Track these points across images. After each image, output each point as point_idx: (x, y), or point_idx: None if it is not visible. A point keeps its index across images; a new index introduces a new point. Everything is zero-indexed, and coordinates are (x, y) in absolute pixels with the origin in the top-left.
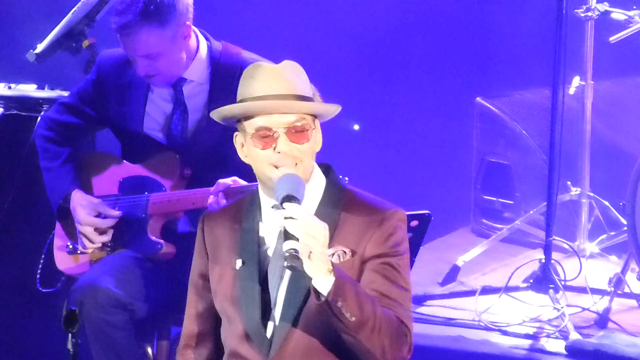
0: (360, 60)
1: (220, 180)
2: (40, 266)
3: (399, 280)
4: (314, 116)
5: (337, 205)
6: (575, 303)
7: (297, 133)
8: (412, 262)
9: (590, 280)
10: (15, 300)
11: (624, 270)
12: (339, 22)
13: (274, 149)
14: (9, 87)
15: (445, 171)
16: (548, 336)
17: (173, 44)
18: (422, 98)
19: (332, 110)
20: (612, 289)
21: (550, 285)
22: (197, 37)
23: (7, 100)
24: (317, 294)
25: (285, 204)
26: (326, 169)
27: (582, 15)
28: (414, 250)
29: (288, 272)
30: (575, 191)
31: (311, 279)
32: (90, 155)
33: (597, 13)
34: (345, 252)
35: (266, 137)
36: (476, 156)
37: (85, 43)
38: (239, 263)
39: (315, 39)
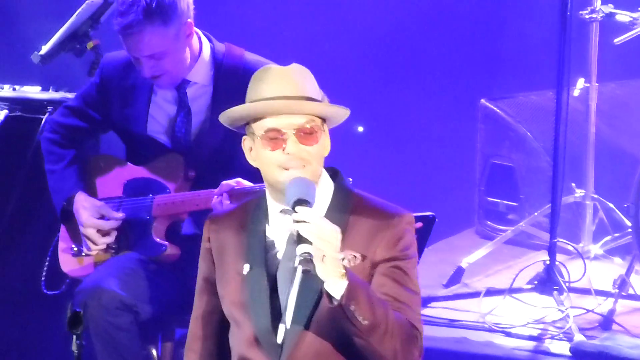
0: (365, 62)
1: (224, 182)
2: (45, 268)
3: (409, 283)
4: (323, 120)
5: (346, 209)
6: (580, 305)
7: (306, 135)
8: None
9: (595, 282)
10: (20, 302)
11: (628, 272)
12: (343, 23)
13: (283, 150)
14: (14, 89)
15: (449, 173)
16: (552, 338)
17: (177, 42)
18: (426, 100)
19: (342, 113)
20: (617, 290)
21: (555, 287)
22: (199, 38)
23: (12, 102)
24: (330, 297)
25: (297, 208)
26: (334, 173)
27: (587, 17)
28: (418, 252)
29: (298, 276)
30: (579, 193)
31: (323, 282)
32: (95, 158)
33: (601, 15)
34: (355, 257)
35: (275, 138)
36: (480, 158)
37: (90, 44)
38: (246, 268)
39: (319, 40)
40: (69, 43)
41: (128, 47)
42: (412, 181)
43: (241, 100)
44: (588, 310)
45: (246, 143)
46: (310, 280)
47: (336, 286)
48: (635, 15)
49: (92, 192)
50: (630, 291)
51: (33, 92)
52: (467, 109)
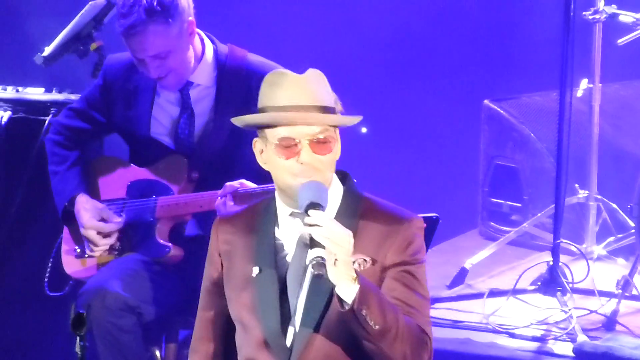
0: (368, 63)
1: (228, 183)
2: (48, 270)
3: (418, 288)
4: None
5: (355, 213)
6: (583, 305)
7: (319, 144)
8: None
9: (598, 283)
10: (24, 303)
11: (631, 273)
12: (346, 23)
13: (297, 159)
14: (17, 90)
15: (452, 174)
16: (556, 339)
17: (180, 41)
18: (429, 100)
19: (355, 121)
20: (620, 291)
21: (558, 288)
22: (202, 40)
23: (15, 104)
24: (341, 302)
25: (310, 211)
26: (343, 177)
27: (590, 17)
28: None
29: (308, 279)
30: (583, 194)
31: (333, 286)
32: (98, 159)
33: (605, 15)
34: (365, 261)
35: (289, 147)
36: (484, 159)
37: (93, 46)
38: (255, 270)
39: (322, 41)
40: (73, 44)
41: (132, 49)
42: (415, 182)
43: (244, 101)
44: (591, 311)
45: (257, 145)
46: (320, 283)
47: (348, 290)
48: (638, 15)
49: (95, 193)
50: (634, 292)
51: (36, 93)
52: (470, 109)
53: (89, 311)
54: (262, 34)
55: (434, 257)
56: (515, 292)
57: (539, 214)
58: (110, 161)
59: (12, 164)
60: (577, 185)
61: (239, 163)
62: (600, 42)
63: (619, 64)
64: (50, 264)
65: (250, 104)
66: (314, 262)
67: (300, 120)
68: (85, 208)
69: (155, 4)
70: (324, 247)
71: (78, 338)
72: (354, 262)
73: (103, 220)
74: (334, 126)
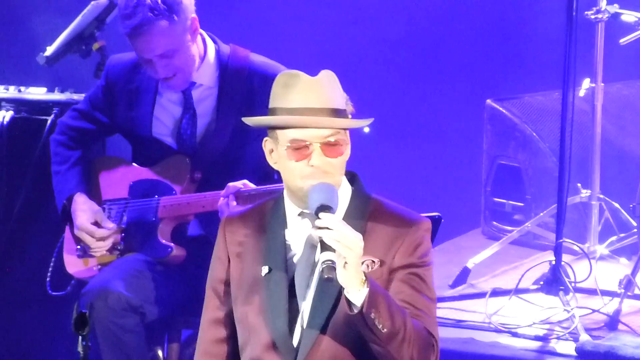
0: (371, 62)
1: (231, 184)
2: (50, 269)
3: (426, 290)
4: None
5: (364, 214)
6: (586, 305)
7: (330, 147)
8: None
9: (601, 282)
10: (26, 302)
11: (634, 272)
12: (348, 23)
13: (308, 162)
14: (19, 90)
15: (455, 173)
16: (558, 338)
17: (185, 38)
18: (432, 100)
19: (366, 123)
20: (622, 290)
21: (561, 287)
22: (204, 40)
23: (17, 103)
24: (349, 304)
25: (320, 214)
26: (352, 178)
27: (592, 17)
28: None
29: (315, 281)
30: (585, 193)
31: (342, 288)
32: (100, 159)
33: (607, 15)
34: (374, 262)
35: (300, 149)
36: (486, 158)
37: (96, 46)
38: (264, 270)
39: (325, 40)
40: (75, 44)
41: (139, 49)
42: (418, 181)
43: (247, 102)
44: (594, 311)
45: (267, 145)
46: (327, 285)
47: (357, 294)
48: None
49: (96, 193)
50: (636, 291)
51: (38, 93)
52: (473, 109)
53: (91, 311)
54: (265, 34)
55: (437, 256)
56: (517, 291)
57: (542, 214)
58: (113, 161)
59: (15, 163)
60: (579, 184)
61: (242, 163)
62: (603, 42)
63: (621, 64)
64: (52, 264)
65: (252, 105)
66: (324, 266)
67: (311, 124)
68: (82, 209)
69: (159, 2)
70: (334, 251)
71: (80, 338)
72: (362, 264)
73: (97, 223)
74: (345, 128)
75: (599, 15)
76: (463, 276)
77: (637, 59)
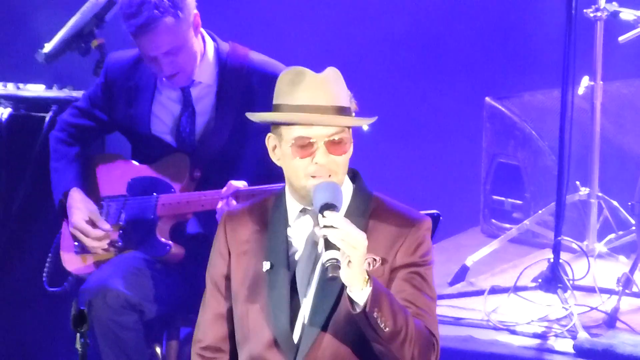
0: (369, 60)
1: (232, 182)
2: (47, 265)
3: (427, 289)
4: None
5: (366, 212)
6: (584, 303)
7: (335, 145)
8: None
9: (599, 280)
10: (25, 300)
11: (632, 270)
12: (347, 21)
13: (312, 159)
14: (18, 87)
15: (454, 171)
16: (556, 336)
17: (189, 34)
18: (431, 98)
19: (370, 122)
20: (621, 288)
21: (559, 285)
22: (203, 37)
23: (16, 101)
24: (352, 303)
25: (325, 213)
26: (353, 175)
27: (592, 15)
28: None
29: (316, 278)
30: (584, 191)
31: (343, 285)
32: (99, 156)
33: (606, 13)
34: (375, 260)
35: (304, 146)
36: (485, 156)
37: (94, 43)
38: (266, 265)
39: (323, 38)
40: (74, 42)
41: (144, 47)
42: (417, 179)
43: (246, 100)
44: (592, 308)
45: (270, 141)
46: (329, 282)
47: (360, 293)
48: (639, 13)
49: (94, 189)
50: (635, 289)
51: (37, 90)
52: (472, 107)
53: (90, 309)
54: (264, 32)
55: (436, 254)
56: (516, 289)
57: (541, 212)
58: (111, 158)
59: (13, 161)
60: (578, 182)
61: (241, 162)
62: (602, 40)
63: (620, 62)
64: (48, 260)
65: (252, 103)
66: (328, 265)
67: (318, 121)
68: (78, 207)
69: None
70: (338, 249)
71: (79, 335)
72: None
73: (92, 222)
74: (350, 127)
75: (598, 14)
76: (462, 274)
77: (637, 57)
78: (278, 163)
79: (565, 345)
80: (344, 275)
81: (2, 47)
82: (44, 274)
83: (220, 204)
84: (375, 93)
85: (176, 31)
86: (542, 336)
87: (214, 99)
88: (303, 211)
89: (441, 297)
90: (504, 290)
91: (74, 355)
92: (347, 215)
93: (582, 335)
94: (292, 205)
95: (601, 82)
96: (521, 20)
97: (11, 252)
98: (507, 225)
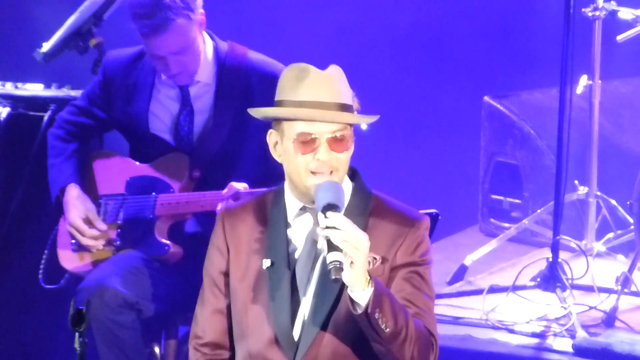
0: (368, 59)
1: (233, 184)
2: (42, 262)
3: (426, 289)
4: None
5: (365, 211)
6: (583, 302)
7: (337, 142)
8: None
9: (598, 279)
10: (24, 299)
11: (631, 269)
12: (345, 21)
13: (314, 155)
14: (16, 86)
15: (453, 170)
16: (555, 335)
17: (197, 34)
18: (430, 97)
19: (372, 120)
20: (619, 287)
21: (558, 284)
22: (202, 36)
23: (14, 100)
24: (353, 303)
25: (328, 213)
26: (352, 174)
27: (590, 14)
28: None
29: (316, 276)
30: (582, 190)
31: (344, 285)
32: (97, 153)
33: (604, 12)
34: (375, 259)
35: (306, 142)
36: (484, 155)
37: (93, 42)
38: (266, 263)
39: (321, 38)
40: (72, 40)
41: (155, 47)
42: (415, 178)
43: (244, 100)
44: (591, 307)
45: (272, 137)
46: (328, 280)
47: (362, 293)
48: (637, 12)
49: (91, 186)
50: (633, 288)
51: (35, 89)
52: (471, 106)
53: (88, 307)
54: (263, 31)
55: (434, 253)
56: (515, 288)
57: (539, 211)
58: (110, 155)
59: (12, 160)
60: (577, 181)
61: (239, 161)
62: (600, 39)
63: (618, 61)
64: (45, 257)
65: (250, 102)
66: (331, 267)
67: (321, 118)
68: (75, 205)
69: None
70: (340, 251)
71: (77, 334)
72: None
73: (88, 220)
74: (352, 124)
75: (597, 13)
76: (460, 273)
77: (635, 56)
78: (279, 159)
79: (564, 344)
80: (347, 276)
81: (1, 46)
82: (40, 271)
83: (219, 206)
84: (373, 92)
85: (187, 32)
86: (541, 335)
87: (213, 98)
88: (303, 209)
89: (440, 296)
90: (503, 289)
91: (72, 354)
92: (347, 213)
93: (581, 334)
94: (292, 203)
95: (599, 81)
96: (520, 19)
97: (9, 251)
98: (506, 225)
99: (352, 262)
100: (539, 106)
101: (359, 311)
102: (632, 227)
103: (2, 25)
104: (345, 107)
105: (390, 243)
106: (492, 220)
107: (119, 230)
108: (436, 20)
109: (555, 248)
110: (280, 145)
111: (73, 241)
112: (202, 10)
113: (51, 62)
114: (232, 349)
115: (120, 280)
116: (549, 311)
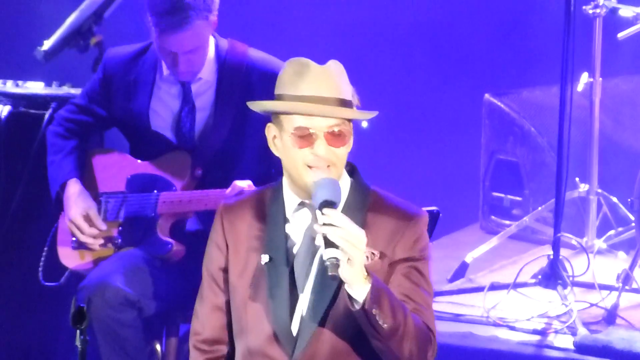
0: (368, 58)
1: (237, 183)
2: (42, 260)
3: (424, 284)
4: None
5: (364, 207)
6: (584, 299)
7: (335, 136)
8: None
9: (598, 277)
10: (24, 296)
11: (632, 266)
12: (346, 19)
13: (311, 150)
14: (17, 85)
15: (453, 168)
16: (556, 332)
17: (210, 35)
18: (430, 95)
19: (371, 116)
20: (620, 285)
21: (559, 282)
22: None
23: (15, 98)
24: (351, 299)
25: (325, 210)
26: (351, 169)
27: (591, 12)
28: None
29: (314, 271)
30: (583, 188)
31: (344, 283)
32: (97, 150)
33: (605, 10)
34: (374, 254)
35: (304, 136)
36: (485, 153)
37: (93, 40)
38: (265, 258)
39: (322, 36)
40: (73, 39)
41: (169, 43)
42: (416, 176)
43: (245, 97)
44: (592, 305)
45: (270, 131)
46: (327, 276)
47: (360, 290)
48: (638, 10)
49: (92, 182)
50: (634, 285)
51: (36, 87)
52: (471, 104)
53: (89, 305)
54: (264, 29)
55: (435, 251)
56: (515, 285)
57: (540, 208)
58: (109, 152)
59: (12, 158)
60: (577, 179)
61: (241, 160)
62: (601, 37)
63: (619, 58)
64: (44, 254)
65: (251, 100)
66: (328, 264)
67: (318, 112)
68: (74, 200)
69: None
70: (337, 247)
71: (78, 332)
72: None
73: (88, 218)
74: (351, 119)
75: (597, 10)
76: (461, 270)
77: (635, 53)
78: (277, 153)
79: (565, 341)
80: (344, 273)
81: (1, 45)
82: (40, 268)
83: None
84: (373, 89)
85: (203, 33)
86: (542, 332)
87: (213, 95)
88: (301, 204)
89: (441, 293)
90: (504, 286)
91: (73, 353)
92: (345, 209)
93: (582, 331)
94: (290, 198)
95: (600, 79)
96: (520, 17)
97: (10, 250)
98: (507, 222)
99: (349, 259)
100: (539, 104)
101: (357, 307)
102: (633, 224)
103: (2, 23)
104: (344, 103)
105: (389, 238)
106: (492, 217)
107: (120, 228)
108: (437, 17)
109: (556, 245)
110: (279, 139)
111: (73, 239)
112: (216, 12)
113: (52, 60)
114: (231, 344)
115: (122, 279)
116: (549, 308)
